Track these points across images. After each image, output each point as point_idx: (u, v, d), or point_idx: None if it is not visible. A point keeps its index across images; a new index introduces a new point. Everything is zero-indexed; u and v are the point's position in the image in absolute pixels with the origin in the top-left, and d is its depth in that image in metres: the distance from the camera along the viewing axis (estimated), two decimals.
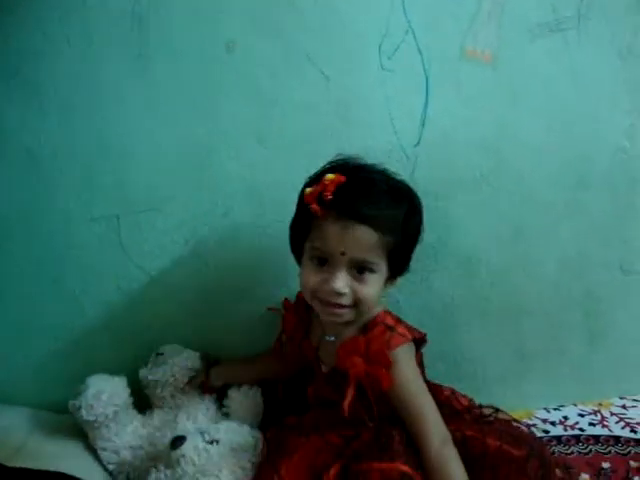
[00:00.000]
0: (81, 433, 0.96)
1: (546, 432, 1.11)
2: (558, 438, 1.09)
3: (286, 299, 1.01)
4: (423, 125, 1.05)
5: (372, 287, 0.83)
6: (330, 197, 0.80)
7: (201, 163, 1.02)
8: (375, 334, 0.85)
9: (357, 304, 0.83)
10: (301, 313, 0.97)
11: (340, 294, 0.82)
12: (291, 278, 1.02)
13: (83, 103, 0.97)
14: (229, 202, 1.04)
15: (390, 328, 0.86)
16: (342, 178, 0.81)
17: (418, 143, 1.06)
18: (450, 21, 1.03)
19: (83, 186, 1.00)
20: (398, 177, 0.89)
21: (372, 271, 0.83)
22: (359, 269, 0.82)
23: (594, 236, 1.16)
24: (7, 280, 1.03)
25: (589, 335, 1.20)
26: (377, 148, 1.04)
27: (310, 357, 0.95)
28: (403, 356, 0.85)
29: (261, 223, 1.04)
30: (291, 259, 0.92)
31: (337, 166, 0.86)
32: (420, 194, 1.06)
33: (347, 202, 0.80)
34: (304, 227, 0.86)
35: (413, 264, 1.08)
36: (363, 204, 0.80)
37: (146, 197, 1.02)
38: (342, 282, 0.81)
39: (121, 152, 1.00)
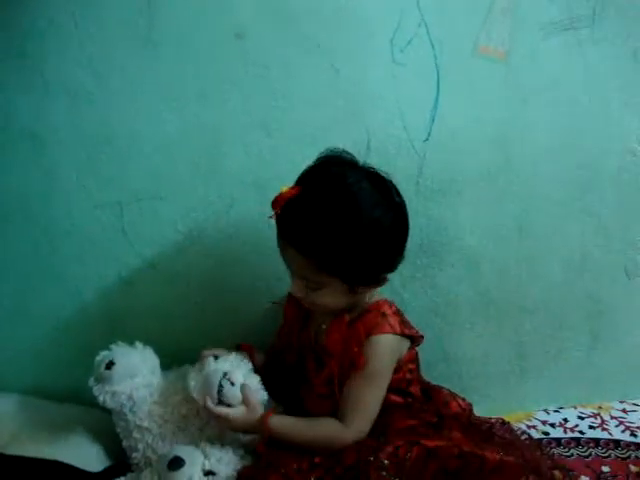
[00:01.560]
0: (78, 421, 0.96)
1: (546, 434, 1.10)
2: (558, 440, 1.08)
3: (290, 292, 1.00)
4: (433, 120, 1.04)
5: (326, 297, 0.84)
6: (278, 212, 0.81)
7: (207, 153, 1.01)
8: (368, 318, 0.86)
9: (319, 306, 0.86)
10: (301, 305, 0.96)
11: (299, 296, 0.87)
12: None
13: (89, 88, 0.96)
14: (234, 193, 1.02)
15: (383, 315, 0.86)
16: (294, 191, 0.80)
17: (427, 138, 1.05)
18: (464, 16, 1.02)
19: (87, 172, 0.99)
20: (371, 190, 0.81)
21: (319, 285, 0.83)
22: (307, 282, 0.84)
23: (599, 238, 1.15)
24: (6, 266, 1.01)
25: (591, 337, 1.20)
26: (386, 142, 1.04)
27: (307, 344, 0.95)
28: (382, 345, 0.85)
29: (266, 215, 1.02)
30: None
31: (307, 173, 0.84)
32: (427, 190, 1.06)
33: (282, 221, 0.81)
34: None
35: (417, 261, 1.09)
36: (292, 226, 0.80)
37: (150, 185, 1.00)
38: (295, 289, 0.86)
39: (126, 139, 0.98)
